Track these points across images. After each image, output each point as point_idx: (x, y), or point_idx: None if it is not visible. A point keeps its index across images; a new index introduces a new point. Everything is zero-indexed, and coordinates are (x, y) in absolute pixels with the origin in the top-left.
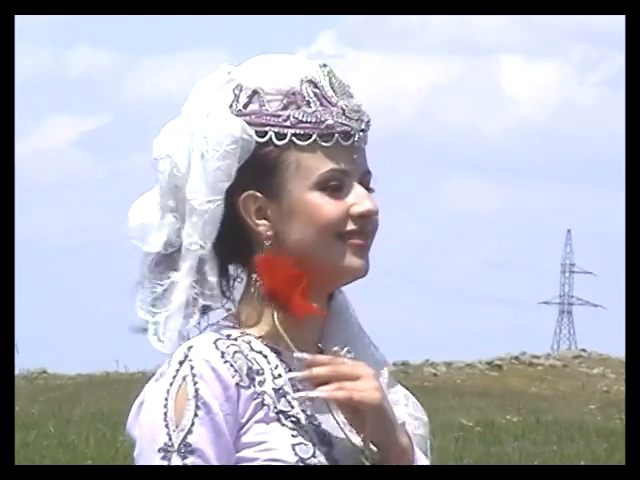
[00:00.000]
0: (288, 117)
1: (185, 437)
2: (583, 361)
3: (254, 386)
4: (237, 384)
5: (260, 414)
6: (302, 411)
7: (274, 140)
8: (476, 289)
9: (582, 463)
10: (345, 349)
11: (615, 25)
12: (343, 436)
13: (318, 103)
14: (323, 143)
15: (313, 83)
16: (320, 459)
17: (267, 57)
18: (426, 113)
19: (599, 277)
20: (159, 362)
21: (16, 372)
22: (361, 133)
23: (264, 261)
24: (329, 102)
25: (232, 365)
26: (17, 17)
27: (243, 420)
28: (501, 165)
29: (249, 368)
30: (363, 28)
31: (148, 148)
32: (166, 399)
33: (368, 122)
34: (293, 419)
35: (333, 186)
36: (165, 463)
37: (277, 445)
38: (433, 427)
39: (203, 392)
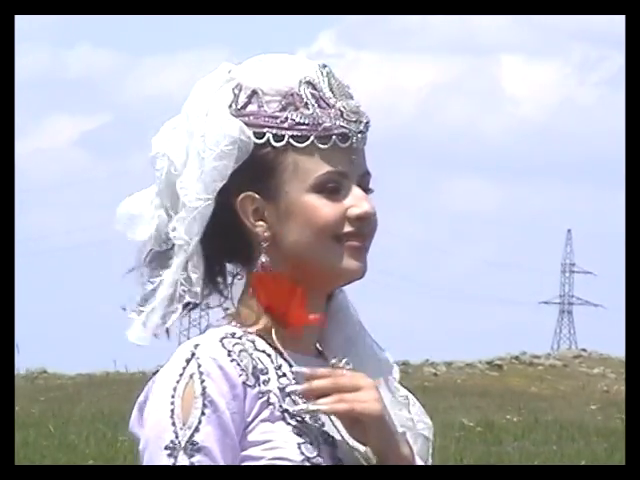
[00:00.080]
0: (286, 119)
1: (192, 435)
2: (583, 361)
3: (259, 385)
4: (244, 383)
5: (265, 413)
6: None
7: (272, 142)
8: (476, 289)
9: (582, 463)
10: (344, 360)
11: (615, 25)
12: (345, 438)
13: (316, 105)
14: (321, 145)
15: (312, 84)
16: (325, 458)
17: (267, 57)
18: (426, 113)
19: (599, 277)
20: (159, 362)
21: (16, 372)
22: (359, 135)
23: (258, 278)
24: (327, 104)
25: (239, 364)
26: (17, 17)
27: (249, 419)
28: (501, 165)
29: (254, 367)
30: (363, 28)
31: (148, 148)
32: (173, 397)
33: (367, 123)
34: (298, 418)
35: (330, 188)
36: (172, 461)
37: (282, 444)
38: (433, 427)
39: (210, 390)
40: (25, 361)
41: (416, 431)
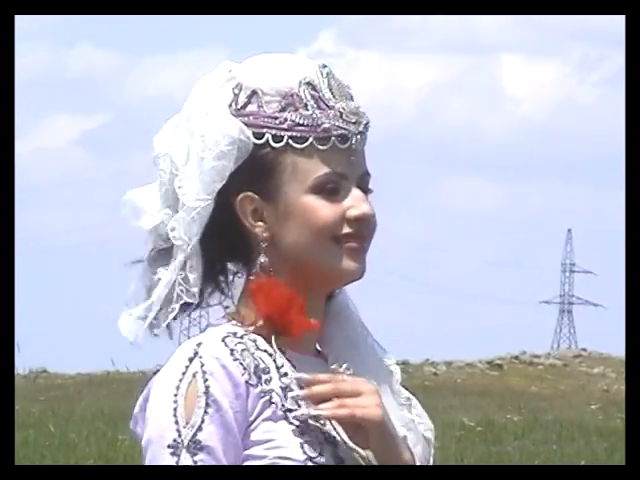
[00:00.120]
0: (285, 120)
1: (195, 434)
2: (583, 360)
3: (261, 384)
4: (246, 382)
5: (268, 412)
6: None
7: (271, 142)
8: (476, 288)
9: (582, 462)
10: (344, 365)
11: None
12: (345, 441)
13: (315, 106)
14: (319, 146)
15: (311, 85)
16: (327, 457)
17: (267, 57)
18: (426, 112)
19: (599, 276)
20: (159, 362)
21: (17, 371)
22: (358, 136)
23: (257, 287)
24: (326, 105)
25: (241, 363)
26: (17, 17)
27: (251, 418)
28: (501, 164)
29: (256, 366)
30: (363, 27)
31: (148, 147)
32: (175, 395)
33: (367, 124)
34: (300, 418)
35: (329, 189)
36: (175, 459)
37: (285, 443)
38: (434, 428)
39: (213, 389)
40: (25, 360)
41: (418, 433)
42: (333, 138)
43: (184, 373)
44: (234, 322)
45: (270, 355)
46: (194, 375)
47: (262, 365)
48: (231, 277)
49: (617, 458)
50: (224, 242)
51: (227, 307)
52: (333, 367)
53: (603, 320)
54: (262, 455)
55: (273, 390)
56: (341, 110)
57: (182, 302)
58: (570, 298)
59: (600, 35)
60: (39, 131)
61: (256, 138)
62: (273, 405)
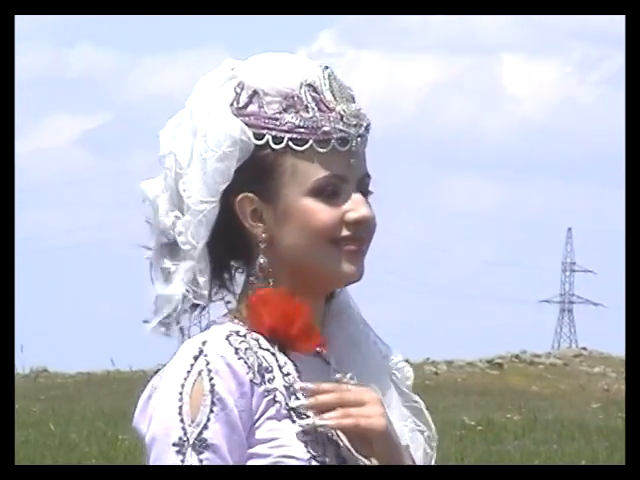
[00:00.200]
0: (286, 121)
1: (201, 432)
2: (584, 360)
3: (265, 383)
4: (251, 381)
5: (272, 411)
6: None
7: (271, 144)
8: (477, 287)
9: (583, 462)
10: (348, 375)
11: (615, 24)
12: (347, 446)
13: (316, 108)
14: (319, 149)
15: (313, 87)
16: (330, 457)
17: (270, 56)
18: (427, 112)
19: (600, 275)
20: (159, 361)
21: (17, 371)
22: (359, 139)
23: (259, 299)
24: (327, 107)
25: (246, 362)
26: (17, 17)
27: (256, 416)
28: (502, 163)
29: (259, 365)
30: (363, 27)
31: (149, 147)
32: (181, 393)
33: (367, 126)
34: (303, 417)
35: (329, 192)
36: (180, 458)
37: (289, 442)
38: (434, 428)
39: (219, 388)
40: (26, 360)
41: (419, 440)
42: (333, 141)
43: (189, 371)
44: (236, 321)
45: (272, 354)
46: (199, 373)
47: (265, 364)
48: (233, 272)
49: (617, 458)
50: (225, 241)
51: (229, 302)
52: (338, 376)
53: (603, 319)
54: (266, 454)
55: (277, 389)
56: (342, 113)
57: (192, 304)
58: (570, 297)
59: (600, 35)
60: (39, 131)
61: (256, 139)
62: (277, 404)
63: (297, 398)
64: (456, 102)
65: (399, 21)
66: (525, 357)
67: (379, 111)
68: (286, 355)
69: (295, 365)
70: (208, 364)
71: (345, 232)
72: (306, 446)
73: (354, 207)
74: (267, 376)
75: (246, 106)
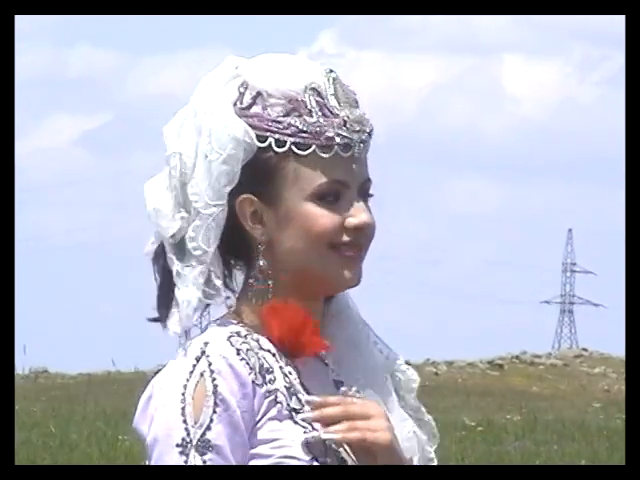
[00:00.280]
0: (289, 125)
1: (204, 433)
2: (584, 360)
3: (266, 384)
4: (253, 381)
5: (273, 411)
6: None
7: (274, 147)
8: (477, 288)
9: (583, 462)
10: (354, 389)
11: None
12: (348, 452)
13: (320, 113)
14: (322, 154)
15: (317, 91)
16: (331, 457)
17: (275, 57)
18: (427, 112)
19: (600, 276)
20: (159, 361)
21: (18, 371)
22: (361, 144)
23: (270, 309)
24: (331, 112)
25: (247, 362)
26: (17, 17)
27: (258, 417)
28: (502, 164)
29: (261, 366)
30: (364, 27)
31: (149, 147)
32: (183, 394)
33: (370, 132)
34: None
35: (330, 197)
36: (183, 458)
37: (290, 442)
38: (435, 427)
39: (222, 389)
40: (26, 361)
41: (418, 447)
42: (336, 147)
43: (192, 372)
44: (236, 321)
45: (273, 355)
46: (202, 374)
47: (266, 365)
48: (233, 270)
49: (618, 458)
50: (228, 240)
51: (228, 297)
52: (343, 389)
53: (604, 320)
54: (268, 454)
55: (278, 390)
56: (345, 118)
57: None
58: (571, 298)
59: (601, 35)
60: (39, 131)
61: (259, 141)
62: (279, 404)
63: (298, 399)
64: (456, 102)
65: (400, 21)
66: (525, 358)
67: (379, 111)
68: (287, 357)
69: (295, 366)
70: (210, 365)
71: (345, 238)
72: (307, 447)
73: (354, 213)
74: (268, 377)
75: (249, 107)
